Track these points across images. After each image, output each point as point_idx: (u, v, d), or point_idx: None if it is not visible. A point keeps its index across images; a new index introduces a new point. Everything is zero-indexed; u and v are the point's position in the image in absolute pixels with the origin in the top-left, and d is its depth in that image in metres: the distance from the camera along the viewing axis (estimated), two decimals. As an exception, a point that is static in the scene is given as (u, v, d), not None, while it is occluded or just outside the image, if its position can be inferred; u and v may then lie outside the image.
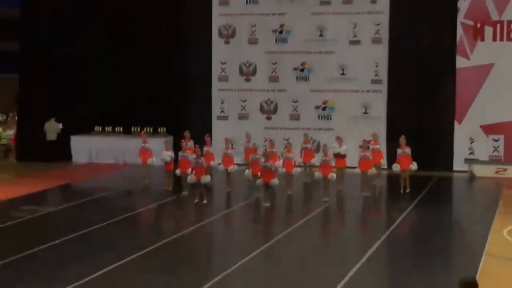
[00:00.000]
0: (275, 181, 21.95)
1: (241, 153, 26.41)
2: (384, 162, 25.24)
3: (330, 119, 29.84)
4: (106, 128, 30.91)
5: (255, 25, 30.42)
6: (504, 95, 27.98)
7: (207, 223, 20.47)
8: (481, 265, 15.58)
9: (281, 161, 23.71)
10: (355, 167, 24.09)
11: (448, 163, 28.42)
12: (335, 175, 22.89)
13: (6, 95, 38.90)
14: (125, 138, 30.45)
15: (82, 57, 31.03)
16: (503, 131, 28.21)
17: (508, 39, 28.16)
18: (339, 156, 24.49)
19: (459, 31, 28.49)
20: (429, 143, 28.22)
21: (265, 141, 26.33)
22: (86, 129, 31.03)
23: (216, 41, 30.77)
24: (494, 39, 28.29)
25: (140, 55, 30.47)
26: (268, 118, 30.43)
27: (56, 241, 17.44)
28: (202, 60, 30.49)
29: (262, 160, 22.54)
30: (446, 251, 17.61)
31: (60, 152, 30.59)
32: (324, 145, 24.17)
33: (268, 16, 30.27)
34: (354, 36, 29.58)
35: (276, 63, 30.30)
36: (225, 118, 30.79)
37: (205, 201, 22.38)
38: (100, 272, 14.97)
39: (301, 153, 25.82)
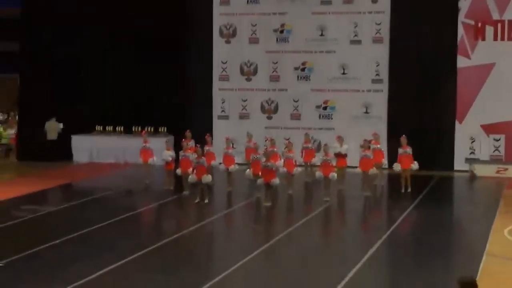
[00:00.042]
0: (276, 180, 21.96)
1: (242, 152, 26.40)
2: (385, 161, 25.22)
3: (331, 118, 29.84)
4: (107, 128, 30.91)
5: (256, 24, 30.41)
6: (505, 94, 27.97)
7: (208, 223, 20.47)
8: (481, 265, 15.58)
9: (282, 160, 23.71)
10: (356, 167, 24.09)
11: (448, 163, 28.41)
12: (336, 175, 22.88)
13: (6, 94, 38.91)
14: (126, 138, 30.45)
15: (82, 57, 31.02)
16: (504, 131, 28.19)
17: (509, 38, 28.14)
18: (340, 156, 24.48)
19: (460, 31, 28.48)
20: (429, 143, 28.19)
21: (265, 140, 26.33)
22: (87, 129, 31.02)
23: (217, 41, 30.77)
24: (495, 38, 28.28)
25: (140, 55, 30.43)
26: (269, 118, 30.42)
27: (57, 241, 17.44)
28: (203, 60, 30.49)
29: (263, 159, 22.54)
30: (447, 250, 17.61)
31: (60, 151, 30.59)
32: (325, 145, 24.15)
33: (269, 15, 30.27)
34: (355, 35, 29.57)
35: (277, 62, 30.30)
36: (226, 117, 30.79)
37: (206, 201, 22.38)
38: (101, 271, 14.97)
39: (302, 152, 25.81)
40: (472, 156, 28.48)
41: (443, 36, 28.54)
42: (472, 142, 28.46)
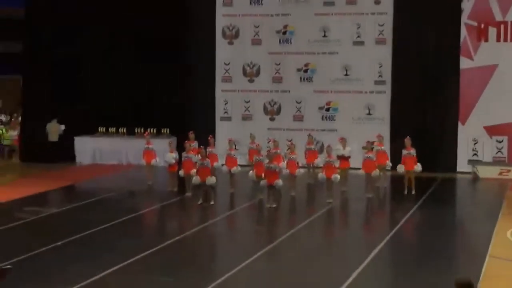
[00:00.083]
0: (279, 182, 21.95)
1: (244, 154, 26.38)
2: (389, 163, 25.17)
3: (334, 120, 29.81)
4: (109, 129, 30.89)
5: (258, 25, 30.40)
6: (508, 96, 27.93)
7: (211, 224, 20.46)
8: (484, 266, 15.58)
9: (285, 162, 23.69)
10: (359, 168, 24.07)
11: (451, 164, 28.37)
12: (338, 176, 22.87)
13: (8, 96, 38.91)
14: (129, 139, 30.44)
15: (82, 57, 31.00)
16: (507, 132, 28.16)
17: (512, 39, 28.15)
18: (343, 158, 24.45)
19: (463, 32, 28.45)
20: (432, 144, 28.14)
21: (268, 142, 26.30)
22: (87, 129, 30.99)
23: (220, 42, 30.75)
24: (498, 39, 28.24)
25: (142, 56, 30.41)
26: (272, 119, 30.40)
27: (60, 242, 17.44)
28: (205, 61, 30.46)
29: (266, 161, 22.53)
30: (450, 252, 17.58)
31: (63, 153, 30.57)
32: (328, 146, 24.11)
33: (271, 16, 30.25)
34: (358, 36, 29.55)
35: (279, 64, 30.28)
36: (229, 119, 30.77)
37: (212, 202, 22.37)
38: (104, 273, 14.98)
39: (305, 154, 25.79)
40: (475, 157, 28.45)
41: (445, 37, 28.51)
42: (475, 143, 28.43)
